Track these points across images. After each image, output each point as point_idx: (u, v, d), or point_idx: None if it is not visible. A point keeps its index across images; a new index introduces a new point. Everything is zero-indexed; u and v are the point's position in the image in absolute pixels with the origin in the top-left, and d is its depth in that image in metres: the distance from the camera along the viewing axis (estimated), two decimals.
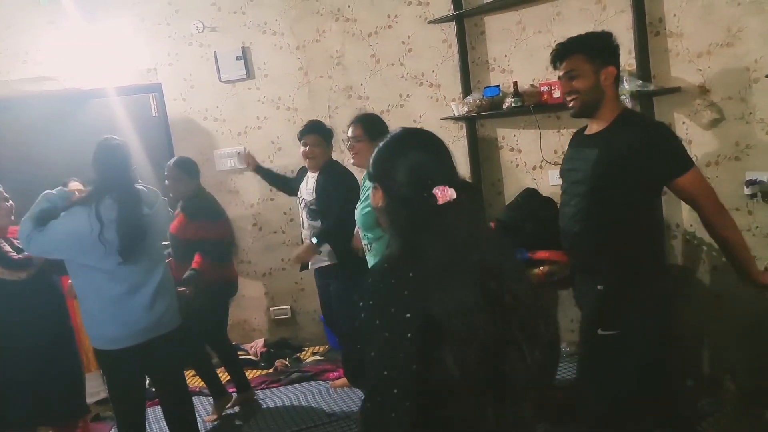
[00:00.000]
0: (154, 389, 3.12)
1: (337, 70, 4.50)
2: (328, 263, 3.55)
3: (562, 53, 2.23)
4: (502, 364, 1.25)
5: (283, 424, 3.55)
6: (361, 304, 1.26)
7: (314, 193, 3.52)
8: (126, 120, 4.55)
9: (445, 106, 4.13)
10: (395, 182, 1.34)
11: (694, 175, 2.10)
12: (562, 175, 2.40)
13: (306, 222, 3.63)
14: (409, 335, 1.20)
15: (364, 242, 2.98)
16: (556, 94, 3.41)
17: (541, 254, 3.02)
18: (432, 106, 4.21)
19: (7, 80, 4.54)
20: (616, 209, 2.13)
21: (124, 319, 2.64)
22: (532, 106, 3.56)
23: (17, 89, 4.52)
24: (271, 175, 4.11)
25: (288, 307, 4.82)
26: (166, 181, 3.63)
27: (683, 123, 3.19)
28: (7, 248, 2.93)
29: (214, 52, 4.60)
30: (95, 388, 3.80)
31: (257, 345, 4.69)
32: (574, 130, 2.48)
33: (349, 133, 3.10)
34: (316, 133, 3.57)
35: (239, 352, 4.54)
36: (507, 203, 3.89)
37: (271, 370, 4.37)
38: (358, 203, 3.02)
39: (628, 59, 3.30)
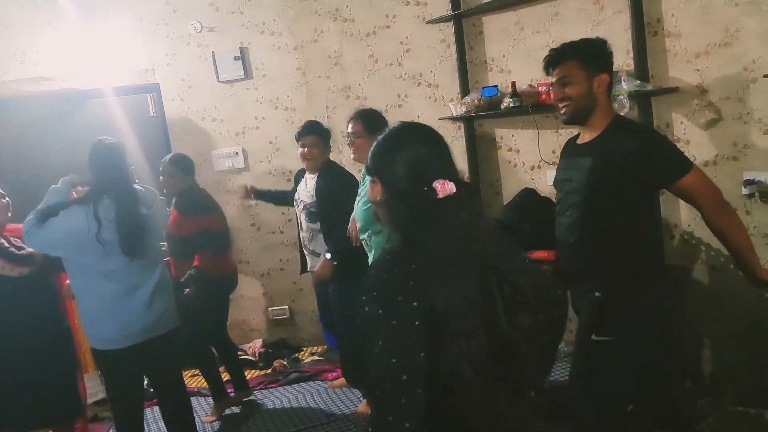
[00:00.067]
0: (152, 390, 3.11)
1: (336, 70, 4.50)
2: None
3: (555, 59, 2.21)
4: (506, 356, 1.25)
5: (281, 424, 3.55)
6: (364, 298, 1.24)
7: (314, 196, 3.50)
8: (124, 120, 4.55)
9: (444, 106, 4.13)
10: (395, 176, 1.33)
11: (696, 176, 2.09)
12: (555, 185, 2.37)
13: (305, 224, 3.61)
14: (417, 323, 1.19)
15: (362, 238, 2.97)
16: None
17: (540, 254, 3.02)
18: (430, 106, 4.21)
19: (5, 80, 4.53)
20: (612, 217, 2.11)
21: (123, 319, 2.64)
22: (530, 106, 3.56)
23: (15, 89, 4.52)
24: (271, 195, 4.08)
25: (286, 307, 4.82)
26: (161, 177, 3.62)
27: (681, 123, 3.20)
28: (6, 244, 2.93)
29: (212, 52, 4.60)
30: (93, 389, 3.79)
31: (255, 345, 4.69)
32: (572, 130, 2.48)
33: (349, 129, 3.09)
34: (314, 134, 3.54)
35: (238, 353, 4.55)
36: (505, 203, 3.90)
37: (269, 371, 4.36)
38: (358, 197, 3.02)
39: (626, 59, 3.30)
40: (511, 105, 3.66)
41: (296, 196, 3.70)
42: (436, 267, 1.23)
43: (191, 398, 3.22)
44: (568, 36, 3.44)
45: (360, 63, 4.41)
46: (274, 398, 3.91)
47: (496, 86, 3.84)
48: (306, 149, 3.53)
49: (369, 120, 3.06)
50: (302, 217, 3.63)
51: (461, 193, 1.30)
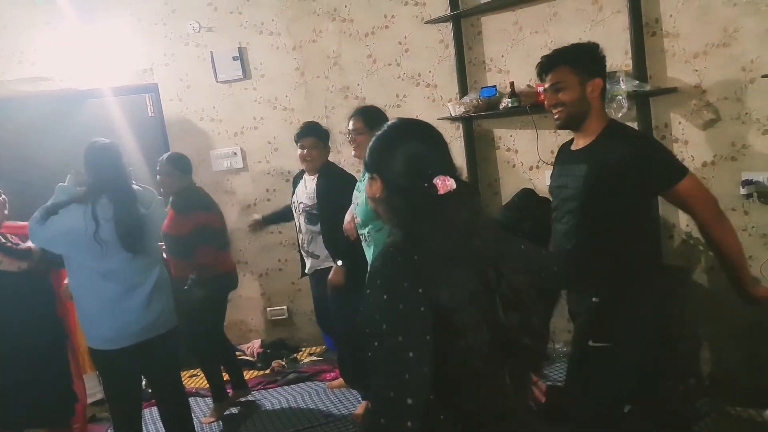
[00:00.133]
0: (150, 390, 3.11)
1: (334, 70, 4.50)
2: (325, 266, 3.53)
3: (547, 65, 2.19)
4: (506, 352, 1.25)
5: (279, 424, 3.54)
6: (368, 290, 1.24)
7: (315, 197, 3.48)
8: (122, 120, 4.54)
9: (442, 106, 4.13)
10: (394, 172, 1.33)
11: (692, 182, 2.07)
12: (551, 192, 2.35)
13: (303, 227, 3.59)
14: (422, 308, 1.19)
15: (361, 233, 2.95)
16: None
17: None
18: (429, 106, 4.21)
19: (3, 80, 4.53)
20: (609, 222, 2.09)
21: (121, 319, 2.64)
22: (528, 107, 3.56)
23: (13, 89, 4.51)
24: (278, 215, 4.04)
25: (285, 307, 4.81)
26: (158, 176, 3.61)
27: (679, 123, 3.20)
28: (2, 240, 2.93)
29: (211, 52, 4.59)
30: (92, 389, 3.78)
31: (254, 346, 4.68)
32: (570, 132, 2.46)
33: (350, 126, 3.08)
34: (313, 135, 3.53)
35: (236, 353, 4.54)
36: (504, 203, 3.90)
37: (267, 371, 4.36)
38: (357, 192, 3.00)
39: (624, 60, 3.31)
40: (510, 105, 3.66)
41: (294, 198, 3.68)
42: (438, 262, 1.22)
43: (190, 398, 3.21)
44: (567, 36, 3.47)
45: (358, 63, 4.41)
46: (273, 399, 3.91)
47: (495, 86, 3.84)
48: (305, 151, 3.51)
49: (369, 117, 3.04)
50: (301, 220, 3.61)
51: (461, 190, 1.30)
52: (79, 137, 3.11)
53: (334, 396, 3.82)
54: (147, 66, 4.64)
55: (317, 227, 3.50)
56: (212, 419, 3.68)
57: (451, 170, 1.33)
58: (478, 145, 4.11)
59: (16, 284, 2.91)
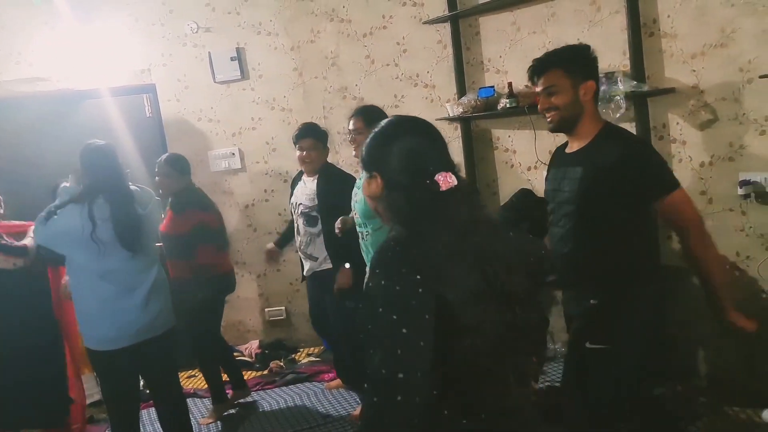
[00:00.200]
0: (148, 391, 3.11)
1: (332, 70, 4.50)
2: (323, 269, 3.52)
3: (539, 69, 2.17)
4: (506, 346, 1.25)
5: (278, 425, 3.54)
6: (369, 284, 1.22)
7: (316, 198, 3.46)
8: (120, 121, 4.53)
9: (440, 107, 4.13)
10: (395, 170, 1.31)
11: (683, 195, 2.05)
12: (547, 195, 2.34)
13: (302, 228, 3.56)
14: (420, 290, 1.17)
15: (360, 230, 2.95)
16: None
17: None
18: (427, 106, 4.21)
19: (0, 81, 4.52)
20: (606, 225, 2.08)
21: (118, 320, 2.64)
22: (526, 107, 3.56)
23: (10, 90, 4.50)
24: (287, 235, 3.96)
25: (283, 308, 4.81)
26: (156, 178, 3.60)
27: (677, 123, 3.21)
28: None
29: (209, 52, 4.59)
30: (89, 390, 3.78)
31: (252, 346, 4.68)
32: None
33: (350, 126, 3.07)
34: (312, 136, 3.51)
35: (234, 354, 4.54)
36: (502, 204, 3.89)
37: (265, 372, 4.35)
38: (356, 189, 2.99)
39: (622, 60, 3.31)
40: (508, 105, 3.66)
41: (293, 200, 3.66)
42: (440, 258, 1.21)
43: (188, 399, 3.21)
44: (565, 37, 3.47)
45: (356, 64, 4.41)
46: (271, 399, 3.90)
47: (493, 87, 3.84)
48: (304, 152, 3.49)
49: (370, 117, 3.03)
50: (300, 222, 3.58)
51: (462, 187, 1.29)
52: (76, 138, 3.10)
53: (332, 397, 3.82)
54: (145, 66, 4.64)
55: (315, 229, 3.49)
56: (211, 420, 3.68)
57: (451, 166, 1.33)
58: (476, 145, 4.11)
59: (12, 284, 2.91)
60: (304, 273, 3.67)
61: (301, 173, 3.68)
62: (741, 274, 3.08)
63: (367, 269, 2.07)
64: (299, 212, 3.57)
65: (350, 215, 3.11)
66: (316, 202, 3.46)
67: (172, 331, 2.84)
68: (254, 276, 4.81)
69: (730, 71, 2.98)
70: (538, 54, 2.26)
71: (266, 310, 4.84)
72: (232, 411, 3.79)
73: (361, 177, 2.97)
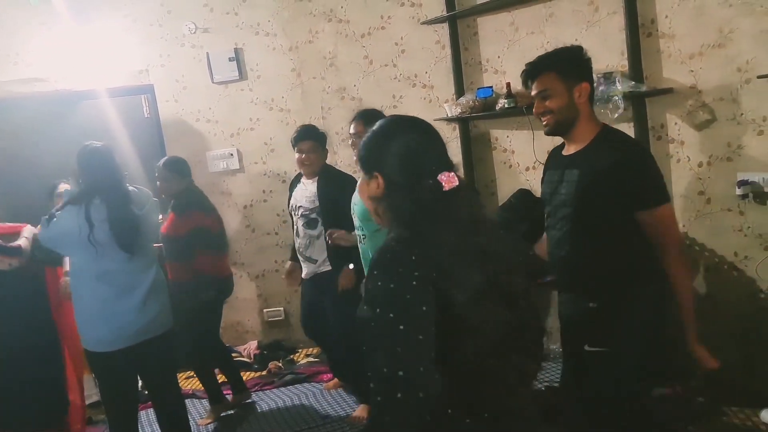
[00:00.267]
0: (146, 392, 3.10)
1: (330, 71, 4.50)
2: (321, 271, 3.50)
3: (532, 73, 2.15)
4: (509, 346, 1.25)
5: (276, 426, 3.54)
6: (368, 286, 1.21)
7: (317, 200, 3.44)
8: (118, 121, 4.53)
9: (439, 107, 4.13)
10: (398, 169, 1.30)
11: (670, 211, 2.03)
12: (544, 198, 2.32)
13: (302, 231, 3.53)
14: (414, 283, 1.17)
15: (358, 233, 2.94)
16: None
17: None
18: (425, 107, 4.21)
19: None
20: (603, 228, 2.06)
21: (116, 321, 2.64)
22: (525, 107, 3.55)
23: (8, 90, 4.49)
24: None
25: (281, 308, 4.81)
26: (157, 182, 3.60)
27: (675, 124, 3.21)
28: None
29: (207, 53, 4.59)
30: (88, 391, 3.77)
31: (250, 347, 4.68)
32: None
33: (351, 130, 3.06)
34: (311, 138, 3.48)
35: (233, 354, 4.54)
36: (500, 204, 3.90)
37: (264, 372, 4.35)
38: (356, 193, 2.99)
39: (620, 60, 3.31)
40: (506, 106, 3.66)
41: (293, 203, 3.62)
42: (443, 257, 1.20)
43: (186, 400, 3.21)
44: (563, 37, 3.48)
45: (355, 64, 4.40)
46: (270, 400, 3.90)
47: (491, 87, 3.84)
48: (304, 155, 3.46)
49: (371, 120, 3.00)
50: (300, 224, 3.54)
51: (462, 185, 1.28)
52: (74, 139, 3.11)
53: (331, 397, 3.82)
54: (143, 67, 4.63)
55: (315, 231, 3.47)
56: (209, 420, 3.67)
57: (451, 166, 1.32)
58: (475, 145, 4.11)
59: (8, 285, 2.91)
60: (304, 276, 3.65)
61: (299, 176, 3.66)
62: (739, 274, 3.08)
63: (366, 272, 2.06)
64: (299, 215, 3.54)
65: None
66: (317, 204, 3.44)
67: (171, 332, 2.83)
68: (253, 277, 4.81)
69: (728, 71, 2.99)
70: (537, 54, 2.25)
71: (265, 310, 4.83)
72: (231, 412, 3.78)
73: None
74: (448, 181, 1.26)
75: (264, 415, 3.71)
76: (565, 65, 2.12)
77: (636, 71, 3.21)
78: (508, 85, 3.70)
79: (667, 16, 3.15)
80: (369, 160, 1.35)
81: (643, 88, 3.17)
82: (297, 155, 3.49)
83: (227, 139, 4.70)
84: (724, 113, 3.03)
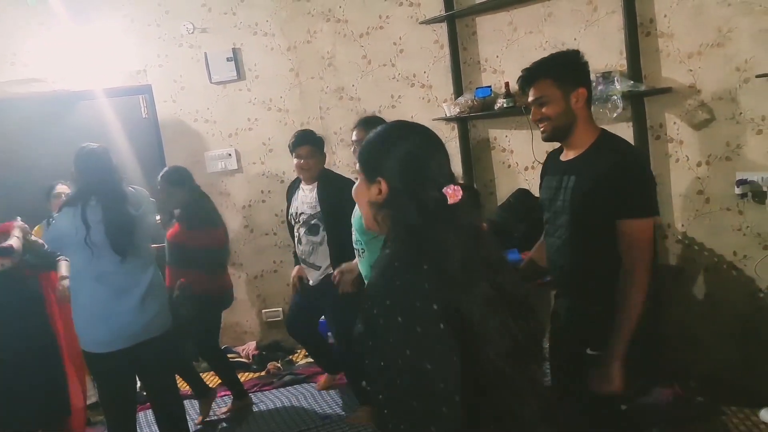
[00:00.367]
0: (145, 393, 3.09)
1: (329, 71, 4.49)
2: (324, 274, 3.46)
3: (528, 79, 2.11)
4: (517, 354, 1.24)
5: (275, 426, 3.53)
6: (375, 311, 1.17)
7: (318, 206, 3.39)
8: (115, 122, 4.53)
9: (437, 107, 4.13)
10: (404, 175, 1.25)
11: (650, 228, 1.97)
12: (542, 204, 2.29)
13: (304, 238, 3.46)
14: (441, 326, 1.13)
15: (356, 248, 2.90)
16: None
17: None
18: (424, 107, 4.21)
19: None
20: (602, 234, 2.02)
21: (114, 322, 2.63)
22: (523, 107, 3.55)
23: (5, 91, 4.48)
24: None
25: (280, 309, 4.80)
26: (160, 196, 3.55)
27: (674, 123, 3.21)
28: None
29: (205, 53, 4.58)
30: (87, 392, 3.77)
31: (249, 348, 4.67)
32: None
33: (353, 137, 3.02)
34: (309, 143, 3.41)
35: (231, 355, 4.53)
36: (499, 204, 3.90)
37: (263, 373, 4.34)
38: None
39: (619, 60, 3.31)
40: (505, 105, 3.66)
41: (293, 210, 3.55)
42: (450, 270, 1.17)
43: (184, 401, 3.20)
44: (562, 36, 3.48)
45: (353, 64, 4.40)
46: (268, 401, 3.89)
47: (490, 87, 3.84)
48: (302, 160, 3.39)
49: (373, 127, 2.99)
50: (302, 231, 3.48)
51: (465, 197, 1.25)
52: (72, 139, 3.10)
53: (330, 398, 3.81)
54: (140, 67, 4.62)
55: (318, 237, 3.42)
56: (203, 416, 3.66)
57: (453, 178, 1.29)
58: (474, 145, 4.11)
59: (1, 286, 2.91)
60: (311, 283, 3.57)
61: (296, 182, 3.61)
62: (738, 273, 3.08)
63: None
64: (301, 221, 3.48)
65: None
66: (319, 209, 3.41)
67: (169, 333, 2.82)
68: (251, 277, 4.80)
69: (727, 71, 2.98)
70: (536, 54, 2.25)
71: (263, 311, 4.82)
72: (225, 408, 3.78)
73: None
74: (453, 195, 1.22)
75: (262, 415, 3.70)
76: (561, 71, 2.08)
77: (635, 71, 3.21)
78: (507, 84, 3.70)
79: (665, 16, 3.15)
80: (372, 165, 1.30)
81: (642, 88, 3.17)
82: (295, 161, 3.43)
83: (225, 139, 4.69)
84: (723, 112, 3.03)
